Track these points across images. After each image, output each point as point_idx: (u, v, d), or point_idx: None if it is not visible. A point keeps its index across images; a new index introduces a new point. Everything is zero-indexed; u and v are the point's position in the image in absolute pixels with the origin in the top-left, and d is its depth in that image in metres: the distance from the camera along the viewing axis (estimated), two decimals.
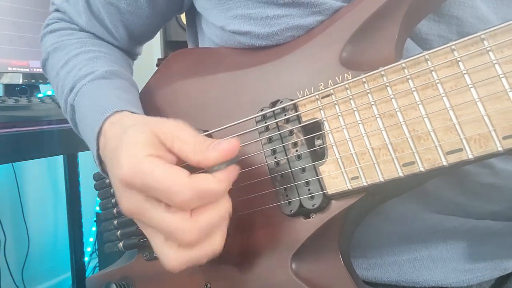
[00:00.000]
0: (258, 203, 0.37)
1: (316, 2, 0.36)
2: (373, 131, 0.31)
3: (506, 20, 0.26)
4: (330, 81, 0.33)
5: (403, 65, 0.29)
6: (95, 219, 1.63)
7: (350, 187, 0.32)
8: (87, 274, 1.50)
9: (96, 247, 1.67)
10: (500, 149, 0.26)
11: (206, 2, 0.43)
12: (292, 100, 0.35)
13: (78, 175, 1.44)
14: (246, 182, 0.37)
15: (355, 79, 0.31)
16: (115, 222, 0.48)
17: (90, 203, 1.50)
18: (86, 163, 1.37)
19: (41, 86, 1.26)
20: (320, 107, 0.33)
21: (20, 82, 1.19)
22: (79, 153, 1.39)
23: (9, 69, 1.15)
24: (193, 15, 0.52)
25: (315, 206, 0.33)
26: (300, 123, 0.34)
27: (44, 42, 0.52)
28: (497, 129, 0.26)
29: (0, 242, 1.40)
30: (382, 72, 0.30)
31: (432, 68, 0.28)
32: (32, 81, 1.21)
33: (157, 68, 0.50)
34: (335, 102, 0.32)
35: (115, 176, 0.32)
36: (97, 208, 1.52)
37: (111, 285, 0.46)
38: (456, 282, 0.41)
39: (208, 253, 0.31)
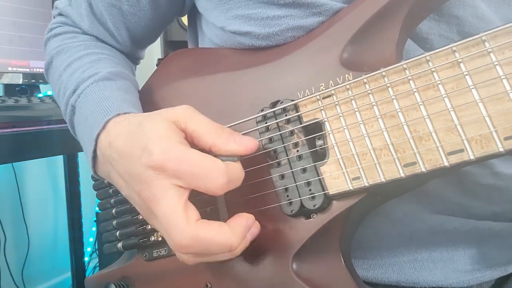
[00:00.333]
0: (259, 203, 0.37)
1: (316, 3, 0.36)
2: (375, 131, 0.31)
3: (506, 20, 0.26)
4: (331, 81, 0.33)
5: (404, 66, 0.29)
6: (95, 219, 1.64)
7: (351, 188, 0.32)
8: (87, 274, 1.50)
9: (96, 247, 1.67)
10: (501, 150, 0.26)
11: (207, 3, 0.43)
12: (293, 100, 0.35)
13: (78, 175, 1.45)
14: (246, 183, 0.37)
15: (357, 79, 0.31)
16: (114, 222, 0.48)
17: (90, 203, 1.50)
18: (86, 163, 1.36)
19: (41, 86, 1.26)
20: (321, 108, 0.33)
21: (20, 82, 1.19)
22: (79, 153, 1.40)
23: (9, 69, 1.15)
24: (195, 16, 0.52)
25: (316, 206, 0.33)
26: (301, 124, 0.34)
27: (48, 46, 0.52)
28: (499, 130, 0.26)
29: (0, 242, 1.40)
30: (383, 73, 0.30)
31: (433, 69, 0.28)
32: (32, 81, 1.21)
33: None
34: (336, 102, 0.32)
35: (139, 164, 0.32)
36: (97, 208, 1.51)
37: (110, 286, 0.46)
38: (457, 282, 0.41)
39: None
